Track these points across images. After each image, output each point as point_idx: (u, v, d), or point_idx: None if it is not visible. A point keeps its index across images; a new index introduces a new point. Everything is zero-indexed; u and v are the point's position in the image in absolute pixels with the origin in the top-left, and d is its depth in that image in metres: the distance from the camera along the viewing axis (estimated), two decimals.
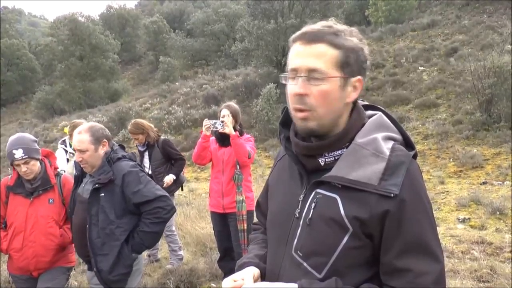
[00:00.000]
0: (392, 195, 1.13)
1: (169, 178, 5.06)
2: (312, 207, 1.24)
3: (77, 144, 2.79)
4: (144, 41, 50.18)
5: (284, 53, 21.02)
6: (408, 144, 1.28)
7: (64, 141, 5.30)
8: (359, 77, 1.23)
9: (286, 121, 1.39)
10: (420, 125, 12.79)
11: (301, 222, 1.27)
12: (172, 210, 2.89)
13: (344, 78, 1.21)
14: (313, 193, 1.25)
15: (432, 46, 19.13)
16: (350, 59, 1.21)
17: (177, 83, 30.52)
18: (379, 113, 1.33)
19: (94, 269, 2.82)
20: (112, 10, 54.26)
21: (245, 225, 4.25)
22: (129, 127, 5.27)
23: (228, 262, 4.51)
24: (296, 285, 1.20)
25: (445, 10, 25.71)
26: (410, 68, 17.51)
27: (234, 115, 4.29)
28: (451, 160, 10.16)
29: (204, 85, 25.72)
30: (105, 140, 2.87)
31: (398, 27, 23.47)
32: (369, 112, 1.34)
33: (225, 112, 4.28)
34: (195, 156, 4.42)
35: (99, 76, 38.58)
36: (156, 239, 2.99)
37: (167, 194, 2.94)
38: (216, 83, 25.53)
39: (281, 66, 21.39)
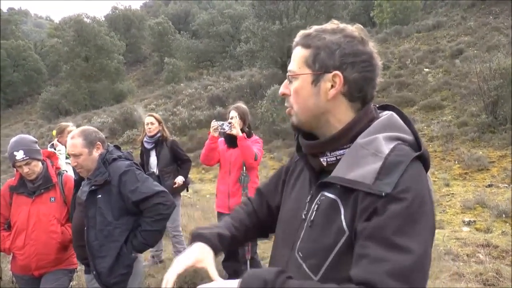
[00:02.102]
0: (383, 194, 1.08)
1: (181, 179, 5.14)
2: (315, 209, 1.24)
3: (70, 149, 2.79)
4: (149, 42, 50.33)
5: (289, 54, 20.77)
6: (417, 145, 1.23)
7: (52, 145, 5.27)
8: (335, 72, 1.22)
9: None
10: (425, 127, 12.74)
11: (305, 224, 1.27)
12: (172, 206, 2.85)
13: (315, 75, 1.24)
14: (319, 195, 1.25)
15: (437, 48, 19.07)
16: (319, 55, 1.23)
17: (182, 84, 30.64)
18: (390, 113, 1.30)
19: (93, 272, 2.80)
20: (117, 11, 54.52)
21: None
22: (151, 113, 5.40)
23: (233, 264, 4.50)
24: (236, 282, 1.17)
25: (451, 12, 25.63)
26: (415, 70, 17.46)
27: (242, 117, 4.30)
28: (456, 162, 10.11)
29: (209, 86, 25.78)
30: (98, 142, 2.85)
31: (403, 29, 23.42)
32: (384, 113, 1.31)
33: (233, 113, 4.29)
34: (203, 156, 4.45)
35: (104, 77, 38.79)
36: (159, 237, 2.95)
37: (165, 190, 2.90)
38: (221, 84, 25.57)
39: (285, 67, 21.16)
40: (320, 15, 21.39)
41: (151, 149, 5.30)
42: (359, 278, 1.03)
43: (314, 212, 1.23)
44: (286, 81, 1.33)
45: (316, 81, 1.24)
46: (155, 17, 52.47)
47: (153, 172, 5.27)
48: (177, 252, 5.43)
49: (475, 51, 16.50)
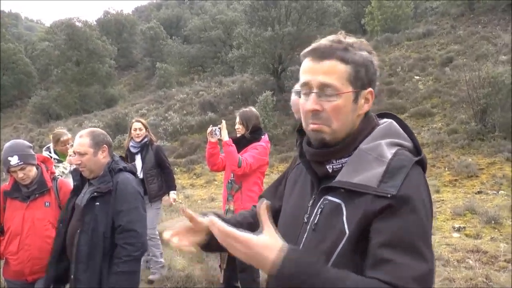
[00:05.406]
0: (389, 195, 1.13)
1: (173, 196, 5.51)
2: (319, 213, 1.27)
3: (77, 147, 2.81)
4: (140, 47, 50.27)
5: (281, 60, 21.10)
6: (417, 150, 1.30)
7: (48, 148, 5.25)
8: (370, 89, 1.29)
9: (303, 128, 1.41)
10: (415, 134, 12.84)
11: (308, 227, 1.30)
12: (142, 248, 2.81)
13: (356, 92, 1.27)
14: (322, 199, 1.28)
15: (427, 56, 19.26)
16: (360, 73, 1.25)
17: (173, 89, 30.60)
18: (390, 120, 1.36)
19: (71, 276, 2.76)
20: (109, 15, 54.36)
21: None
22: (138, 118, 5.61)
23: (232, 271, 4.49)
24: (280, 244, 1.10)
25: (440, 20, 25.92)
26: (406, 77, 17.62)
27: (244, 122, 4.30)
28: (446, 169, 10.21)
29: (200, 91, 25.78)
30: (105, 145, 2.87)
31: (393, 36, 23.61)
32: (383, 120, 1.37)
33: (237, 119, 4.33)
34: (206, 161, 4.53)
35: (96, 82, 38.60)
36: (132, 279, 2.80)
37: (141, 232, 2.83)
38: (212, 89, 25.58)
39: (277, 73, 21.46)
40: (311, 22, 21.52)
41: (137, 153, 5.37)
42: (386, 281, 1.07)
43: (318, 216, 1.27)
44: (313, 96, 1.25)
45: (356, 98, 1.28)
46: (147, 21, 52.39)
47: (137, 175, 5.32)
48: (153, 256, 5.36)
49: (464, 60, 16.71)
